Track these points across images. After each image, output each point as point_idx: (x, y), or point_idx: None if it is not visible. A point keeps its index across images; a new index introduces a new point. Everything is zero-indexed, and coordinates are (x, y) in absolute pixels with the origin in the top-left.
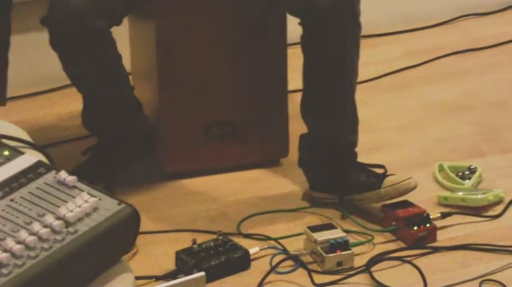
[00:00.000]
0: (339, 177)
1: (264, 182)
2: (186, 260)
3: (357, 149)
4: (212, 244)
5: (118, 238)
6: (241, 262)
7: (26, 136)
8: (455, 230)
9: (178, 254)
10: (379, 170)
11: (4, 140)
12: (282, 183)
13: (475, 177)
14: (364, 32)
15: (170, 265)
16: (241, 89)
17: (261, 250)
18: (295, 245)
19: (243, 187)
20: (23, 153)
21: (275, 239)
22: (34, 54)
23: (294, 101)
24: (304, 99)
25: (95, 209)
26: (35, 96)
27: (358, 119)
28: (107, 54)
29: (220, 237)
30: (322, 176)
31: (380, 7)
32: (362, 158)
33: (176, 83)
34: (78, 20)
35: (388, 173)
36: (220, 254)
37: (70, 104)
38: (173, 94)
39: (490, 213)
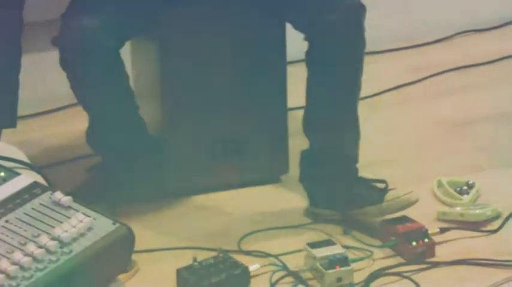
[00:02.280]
0: (341, 192)
1: (264, 199)
2: (187, 278)
3: (358, 164)
4: (212, 261)
5: (113, 258)
6: (242, 279)
7: (22, 157)
8: (454, 245)
9: (179, 272)
10: (381, 185)
11: (0, 161)
12: (282, 199)
13: (473, 192)
14: None
15: (171, 282)
16: (242, 107)
17: (261, 266)
18: (295, 262)
19: (243, 203)
20: (18, 174)
21: (275, 256)
22: (31, 76)
23: (293, 118)
24: (307, 115)
25: (90, 229)
26: (35, 117)
27: (360, 135)
28: (116, 75)
29: (220, 254)
30: (323, 191)
31: (379, 24)
32: (362, 172)
33: (179, 102)
34: (90, 41)
35: (389, 187)
36: (220, 271)
37: (71, 124)
38: (176, 113)
39: (488, 228)
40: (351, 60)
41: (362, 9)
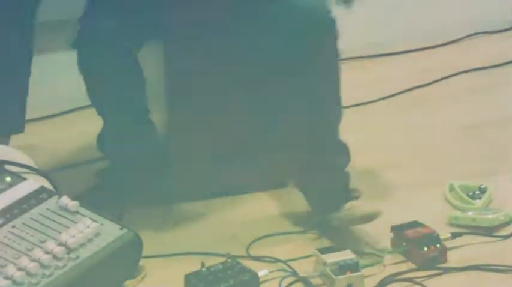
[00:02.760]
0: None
1: (273, 204)
2: (195, 284)
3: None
4: (221, 266)
5: (120, 263)
6: (251, 284)
7: (29, 161)
8: (466, 250)
9: (187, 278)
10: None
11: (7, 166)
12: (290, 205)
13: (485, 197)
14: (375, 51)
15: None
16: (247, 113)
17: (270, 272)
18: (304, 267)
19: (251, 209)
20: (25, 179)
21: (284, 262)
22: (39, 79)
23: None
24: None
25: (97, 234)
26: (42, 121)
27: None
28: (132, 78)
29: (229, 260)
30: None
31: (390, 27)
32: (373, 176)
33: (183, 108)
34: (107, 44)
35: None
36: (229, 277)
37: (77, 128)
38: (181, 119)
39: (501, 233)
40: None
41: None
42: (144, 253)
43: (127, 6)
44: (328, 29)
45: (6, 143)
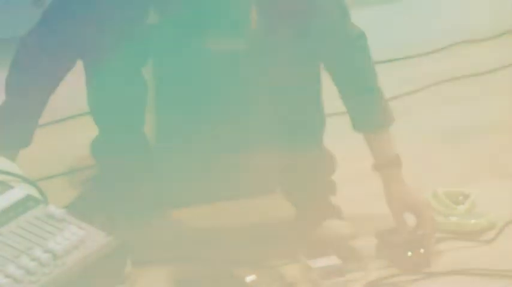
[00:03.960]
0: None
1: (261, 210)
2: None
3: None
4: (209, 272)
5: (107, 270)
6: None
7: (16, 169)
8: (449, 255)
9: (177, 284)
10: None
11: None
12: (278, 210)
13: (468, 202)
14: None
15: None
16: (234, 120)
17: (257, 277)
18: (291, 273)
19: (238, 215)
20: (12, 187)
21: (271, 267)
22: None
23: None
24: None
25: (83, 241)
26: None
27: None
28: (134, 90)
29: (216, 265)
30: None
31: (375, 35)
32: (359, 185)
33: (172, 116)
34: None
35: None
36: (217, 282)
37: (65, 136)
38: (171, 124)
39: (484, 238)
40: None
41: None
42: (132, 259)
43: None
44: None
45: (14, 158)
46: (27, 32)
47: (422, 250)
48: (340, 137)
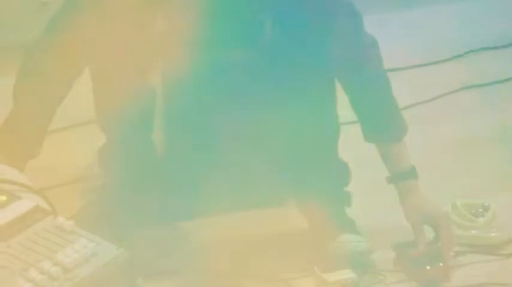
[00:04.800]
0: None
1: (272, 222)
2: None
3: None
4: (220, 285)
5: (117, 283)
6: None
7: (24, 179)
8: (469, 269)
9: None
10: None
11: (1, 185)
12: (290, 223)
13: (488, 214)
14: None
15: None
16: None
17: None
18: (305, 286)
19: (250, 227)
20: (20, 197)
21: (284, 280)
22: None
23: None
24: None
25: (93, 254)
26: None
27: None
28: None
29: (227, 278)
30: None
31: (390, 43)
32: (372, 197)
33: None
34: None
35: None
36: None
37: (73, 145)
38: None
39: (505, 251)
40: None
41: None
42: (141, 271)
43: None
44: None
45: (22, 168)
46: (33, 38)
47: (441, 264)
48: (354, 147)
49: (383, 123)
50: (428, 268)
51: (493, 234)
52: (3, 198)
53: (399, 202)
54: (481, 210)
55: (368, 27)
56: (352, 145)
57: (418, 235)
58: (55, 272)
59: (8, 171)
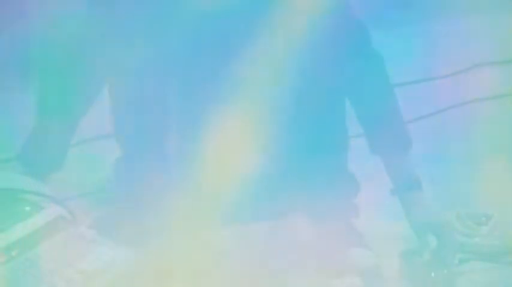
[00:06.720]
0: None
1: (281, 232)
2: None
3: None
4: None
5: None
6: None
7: (45, 189)
8: (473, 276)
9: None
10: None
11: (26, 196)
12: (299, 233)
13: (491, 223)
14: None
15: None
16: (254, 143)
17: None
18: None
19: (259, 236)
20: (43, 207)
21: None
22: None
23: None
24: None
25: (114, 262)
26: None
27: None
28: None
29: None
30: None
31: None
32: (381, 205)
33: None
34: None
35: None
36: None
37: (91, 157)
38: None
39: (508, 259)
40: None
41: None
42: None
43: None
44: None
45: (46, 181)
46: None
47: (445, 271)
48: (361, 159)
49: (388, 136)
50: (433, 275)
51: (496, 242)
52: (27, 208)
53: (404, 212)
54: (484, 219)
55: (373, 43)
56: (359, 156)
57: (422, 243)
58: (79, 280)
59: (32, 183)
